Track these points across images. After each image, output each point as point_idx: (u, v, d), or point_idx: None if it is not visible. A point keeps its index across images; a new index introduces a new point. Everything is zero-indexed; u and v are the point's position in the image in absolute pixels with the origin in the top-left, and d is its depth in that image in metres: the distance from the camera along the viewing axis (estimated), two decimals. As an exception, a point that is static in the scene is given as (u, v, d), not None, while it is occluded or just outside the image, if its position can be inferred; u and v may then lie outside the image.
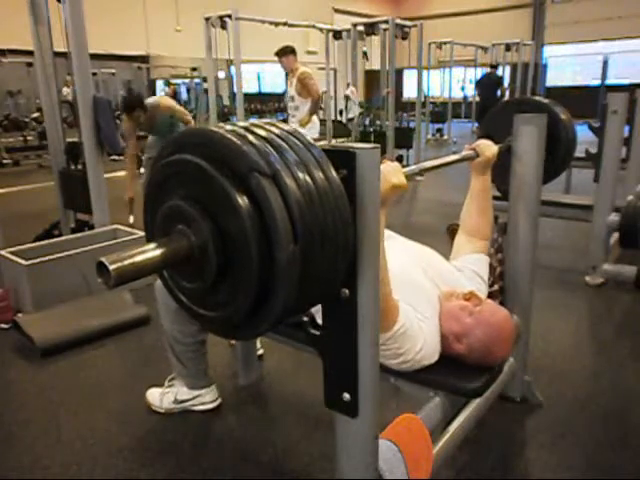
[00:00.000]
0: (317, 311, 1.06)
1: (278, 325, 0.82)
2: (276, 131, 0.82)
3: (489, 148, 1.74)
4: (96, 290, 2.93)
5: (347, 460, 1.16)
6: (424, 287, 1.55)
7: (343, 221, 0.82)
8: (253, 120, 0.89)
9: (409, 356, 1.38)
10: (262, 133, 0.80)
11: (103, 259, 0.71)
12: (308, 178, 0.78)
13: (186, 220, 0.80)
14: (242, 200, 0.74)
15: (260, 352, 2.39)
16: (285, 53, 4.96)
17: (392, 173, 1.20)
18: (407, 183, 1.26)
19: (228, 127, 0.81)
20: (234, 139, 0.76)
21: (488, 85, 9.25)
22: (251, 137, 0.78)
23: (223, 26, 6.84)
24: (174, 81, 14.55)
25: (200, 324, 0.94)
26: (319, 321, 1.08)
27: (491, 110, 2.05)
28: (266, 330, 0.83)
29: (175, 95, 13.80)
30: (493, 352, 1.47)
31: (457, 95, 13.04)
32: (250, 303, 0.79)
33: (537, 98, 2.07)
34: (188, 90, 13.58)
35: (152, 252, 0.76)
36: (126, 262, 0.73)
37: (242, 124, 0.83)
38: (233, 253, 0.78)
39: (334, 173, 0.83)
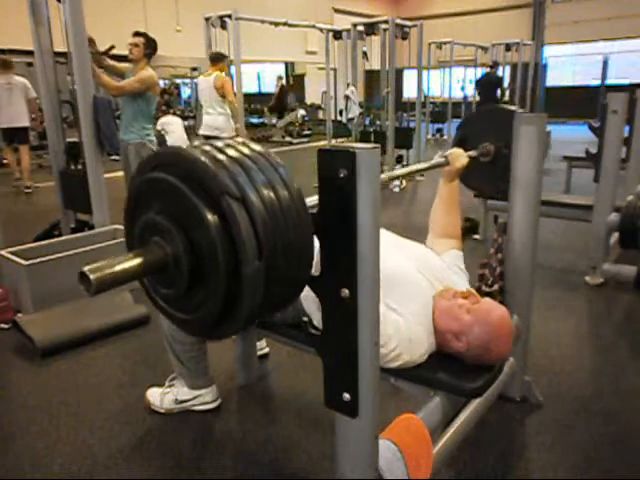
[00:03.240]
0: (316, 311, 1.06)
1: (248, 326, 0.90)
2: (247, 152, 0.90)
3: (460, 158, 1.82)
4: (96, 290, 2.93)
5: (347, 460, 1.16)
6: (417, 284, 1.55)
7: (304, 234, 0.90)
8: (228, 141, 0.95)
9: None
10: (234, 154, 0.88)
11: (85, 269, 0.78)
12: (273, 197, 0.86)
13: (162, 233, 0.88)
14: (213, 219, 0.82)
15: (266, 351, 2.39)
16: None
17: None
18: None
19: (205, 148, 0.88)
20: (208, 162, 0.84)
21: (488, 85, 9.24)
22: (223, 158, 0.85)
23: (223, 26, 6.84)
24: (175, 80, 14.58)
25: (176, 325, 1.01)
26: (316, 323, 1.08)
27: (464, 118, 2.12)
28: (236, 331, 0.92)
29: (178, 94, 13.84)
30: (492, 350, 1.47)
31: (457, 95, 13.04)
32: (219, 308, 0.87)
33: (510, 107, 2.14)
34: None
35: (130, 262, 0.84)
36: (106, 271, 0.79)
37: (218, 144, 0.91)
38: (204, 264, 0.85)
39: (298, 190, 0.91)
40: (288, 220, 0.86)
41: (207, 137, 5.67)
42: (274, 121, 13.32)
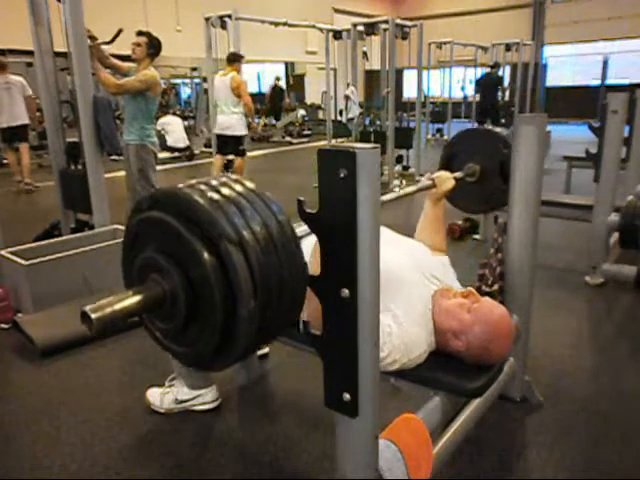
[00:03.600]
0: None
1: (245, 358, 0.95)
2: (241, 190, 0.92)
3: (446, 182, 1.84)
4: (96, 290, 2.93)
5: (347, 460, 1.16)
6: (413, 283, 1.55)
7: (297, 267, 0.93)
8: (222, 178, 0.97)
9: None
10: (229, 194, 0.90)
11: (86, 309, 0.81)
12: (268, 236, 0.88)
13: (160, 271, 0.90)
14: (211, 260, 0.84)
15: (265, 350, 2.39)
16: None
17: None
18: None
19: (201, 187, 0.90)
20: (206, 205, 0.86)
21: (488, 85, 9.25)
22: (219, 198, 0.88)
23: (223, 26, 6.84)
24: (173, 81, 14.58)
25: (173, 357, 1.03)
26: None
27: (450, 141, 2.18)
28: (232, 364, 0.95)
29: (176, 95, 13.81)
30: (491, 350, 1.47)
31: (457, 95, 13.04)
32: (215, 344, 0.89)
33: (495, 130, 2.19)
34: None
35: (130, 300, 0.86)
36: (107, 310, 0.82)
37: (213, 183, 0.93)
38: (201, 302, 0.88)
39: (290, 227, 0.94)
40: (281, 257, 0.89)
41: (219, 136, 5.87)
42: (273, 122, 13.33)
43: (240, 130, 5.89)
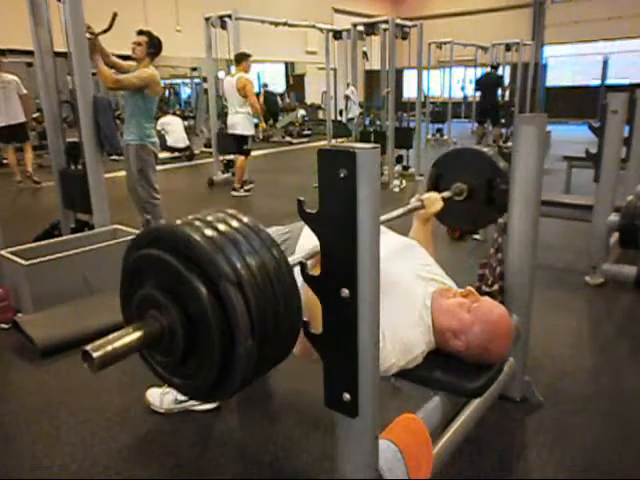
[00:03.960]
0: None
1: (242, 389, 0.95)
2: (236, 225, 0.94)
3: (435, 204, 1.87)
4: (96, 290, 2.93)
5: (347, 460, 1.16)
6: (409, 283, 1.55)
7: (292, 300, 0.94)
8: (219, 214, 0.97)
9: None
10: (225, 229, 0.91)
11: (87, 348, 0.82)
12: (264, 272, 0.90)
13: (159, 307, 0.91)
14: (209, 298, 0.86)
15: None
16: None
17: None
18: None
19: (196, 224, 0.91)
20: (205, 244, 0.87)
21: (488, 85, 9.24)
22: (216, 236, 0.89)
23: (223, 26, 6.84)
24: (174, 81, 14.57)
25: (171, 387, 1.05)
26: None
27: (439, 159, 2.20)
28: (231, 396, 0.96)
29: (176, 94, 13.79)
30: (491, 349, 1.47)
31: (457, 95, 13.04)
32: (213, 378, 0.91)
33: (480, 148, 2.23)
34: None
35: (130, 336, 0.88)
36: (107, 348, 0.84)
37: (208, 219, 0.94)
38: (199, 339, 0.90)
39: (285, 260, 0.95)
40: (277, 292, 0.91)
41: (230, 135, 6.08)
42: (272, 121, 13.32)
43: (244, 129, 5.96)
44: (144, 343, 0.90)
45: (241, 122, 5.94)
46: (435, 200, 1.88)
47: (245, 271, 0.87)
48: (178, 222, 0.93)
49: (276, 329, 0.92)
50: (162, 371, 1.00)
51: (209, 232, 0.90)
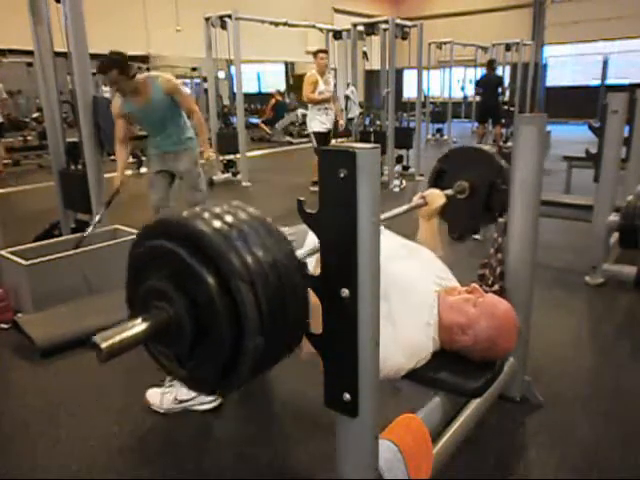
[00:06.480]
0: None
1: (248, 383, 0.96)
2: (245, 218, 0.93)
3: (437, 199, 1.88)
4: (96, 290, 2.93)
5: (347, 460, 1.16)
6: (416, 284, 1.55)
7: (297, 295, 0.94)
8: (227, 205, 0.96)
9: None
10: (233, 222, 0.90)
11: (95, 338, 0.84)
12: (273, 266, 0.89)
13: (167, 299, 0.90)
14: (221, 297, 0.85)
15: None
16: None
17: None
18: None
19: (205, 215, 0.90)
20: (216, 238, 0.86)
21: (488, 85, 9.23)
22: (226, 229, 0.88)
23: (223, 26, 6.84)
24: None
25: (178, 380, 1.03)
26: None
27: (440, 158, 2.20)
28: (238, 388, 0.97)
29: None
30: (498, 343, 1.47)
31: (457, 95, 13.04)
32: (219, 373, 0.92)
33: (484, 147, 2.22)
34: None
35: (138, 327, 0.88)
36: (116, 339, 0.85)
37: (218, 210, 0.93)
38: (207, 332, 0.89)
39: (294, 252, 0.96)
40: (286, 286, 0.91)
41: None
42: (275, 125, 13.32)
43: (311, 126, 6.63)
44: (152, 333, 0.89)
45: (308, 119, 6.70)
46: (437, 196, 1.89)
47: (257, 267, 0.87)
48: (186, 214, 0.92)
49: (284, 325, 0.92)
50: (166, 362, 0.99)
51: (219, 224, 0.89)
